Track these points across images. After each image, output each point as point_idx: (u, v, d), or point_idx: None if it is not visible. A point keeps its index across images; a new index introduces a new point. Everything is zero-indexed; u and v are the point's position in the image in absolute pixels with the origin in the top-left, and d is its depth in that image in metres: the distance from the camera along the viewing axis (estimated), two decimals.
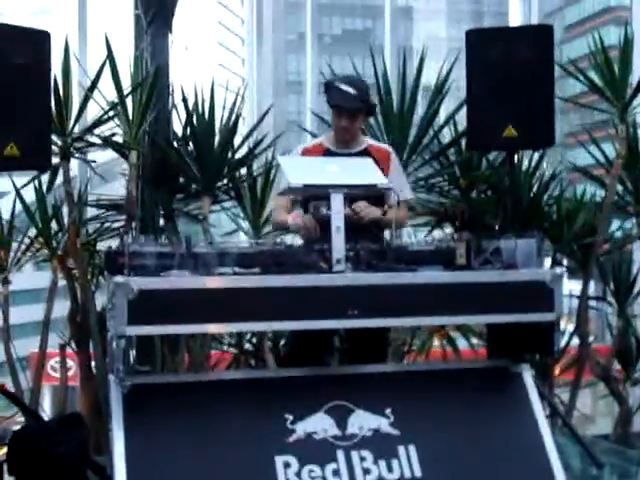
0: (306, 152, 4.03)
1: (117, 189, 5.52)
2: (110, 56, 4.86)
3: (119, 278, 3.08)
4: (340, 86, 3.92)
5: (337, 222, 3.32)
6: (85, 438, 4.15)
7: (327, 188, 3.35)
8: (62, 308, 5.45)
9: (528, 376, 3.61)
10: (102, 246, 5.41)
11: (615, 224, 5.91)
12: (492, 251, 3.48)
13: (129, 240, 3.29)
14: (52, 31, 4.10)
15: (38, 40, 4.03)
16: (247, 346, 5.59)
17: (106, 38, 4.89)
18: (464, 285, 3.37)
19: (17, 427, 4.60)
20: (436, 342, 5.84)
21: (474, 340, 5.76)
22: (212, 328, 3.53)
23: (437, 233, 5.79)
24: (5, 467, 4.02)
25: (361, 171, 3.51)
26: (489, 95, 4.61)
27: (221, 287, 3.21)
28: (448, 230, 5.81)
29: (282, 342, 5.39)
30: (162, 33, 5.04)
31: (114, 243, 5.27)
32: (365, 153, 3.98)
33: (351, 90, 3.89)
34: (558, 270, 3.47)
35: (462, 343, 5.83)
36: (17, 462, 3.96)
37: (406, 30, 40.65)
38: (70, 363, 5.85)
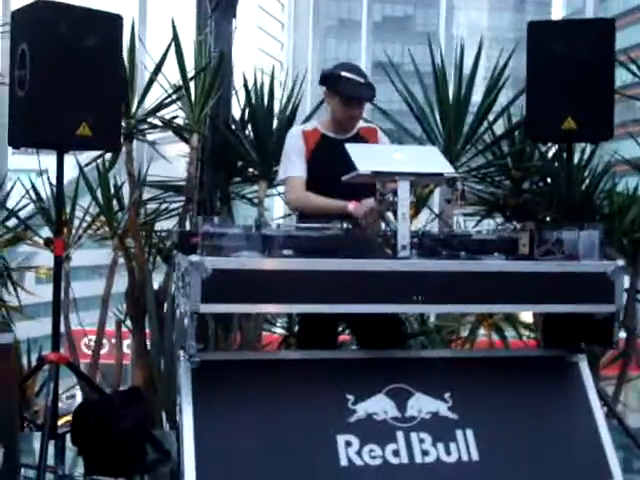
0: (306, 135, 3.98)
1: (165, 170, 5.65)
2: (176, 40, 4.96)
3: (194, 257, 3.17)
4: (350, 76, 3.91)
5: (403, 209, 3.38)
6: (145, 413, 4.28)
7: (394, 175, 3.41)
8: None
9: (585, 366, 3.66)
10: (159, 227, 5.55)
11: None
12: (554, 242, 3.53)
13: (200, 220, 3.36)
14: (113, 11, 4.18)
15: (111, 23, 4.13)
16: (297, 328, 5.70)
17: (172, 22, 4.98)
18: (526, 274, 3.41)
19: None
20: (483, 331, 5.90)
21: (523, 332, 5.82)
22: (280, 308, 3.61)
23: (487, 222, 5.86)
24: (68, 438, 4.18)
25: (427, 159, 3.58)
26: (549, 87, 4.64)
27: (290, 269, 3.29)
28: (499, 220, 5.86)
29: None
30: (226, 18, 5.12)
31: (171, 224, 5.44)
32: (358, 136, 4.01)
33: (362, 80, 3.90)
34: (620, 262, 3.51)
35: (509, 334, 5.88)
36: (80, 434, 4.09)
37: (447, 19, 40.47)
38: (104, 341, 5.98)
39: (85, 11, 4.07)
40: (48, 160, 5.05)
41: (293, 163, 3.95)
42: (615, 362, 5.86)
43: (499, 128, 5.90)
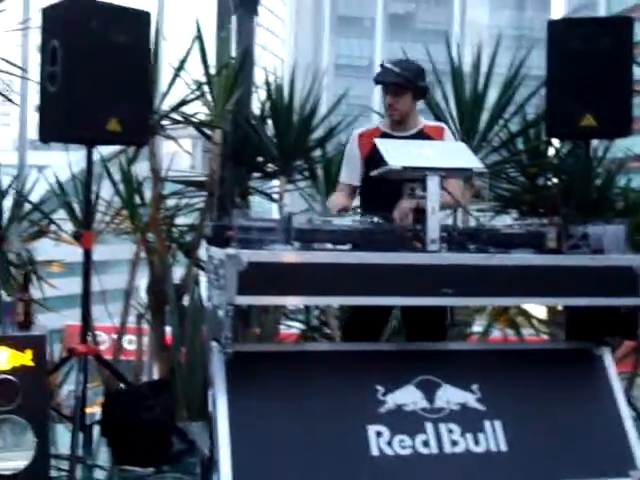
0: (363, 136, 4.09)
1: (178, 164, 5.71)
2: (199, 37, 5.01)
3: (230, 250, 3.22)
4: (386, 64, 4.00)
5: (433, 203, 3.44)
6: (172, 404, 4.34)
7: (424, 170, 3.47)
8: (118, 280, 5.63)
9: (609, 359, 3.72)
10: (179, 221, 5.61)
11: None
12: (580, 236, 3.59)
13: (235, 213, 3.42)
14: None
15: (139, 20, 4.18)
16: (314, 322, 5.77)
17: (196, 21, 5.04)
18: (555, 268, 3.48)
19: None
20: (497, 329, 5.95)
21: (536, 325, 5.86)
22: (313, 301, 3.67)
23: (502, 218, 5.92)
24: (97, 428, 4.24)
25: (456, 155, 3.63)
26: (568, 84, 4.71)
27: (322, 262, 3.35)
28: (513, 216, 5.92)
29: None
30: (249, 15, 5.18)
31: (192, 219, 5.50)
32: (421, 134, 4.05)
33: (395, 68, 3.96)
34: None
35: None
36: (110, 424, 4.15)
37: (447, 15, 40.48)
38: (104, 337, 6.04)
39: (115, 8, 4.13)
40: (55, 156, 5.13)
41: (342, 170, 4.14)
42: (627, 358, 5.91)
43: (514, 126, 5.96)
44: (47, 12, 4.12)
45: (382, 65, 4.01)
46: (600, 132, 4.80)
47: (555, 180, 5.93)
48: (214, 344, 3.46)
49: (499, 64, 5.72)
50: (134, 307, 5.64)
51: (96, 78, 3.99)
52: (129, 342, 5.85)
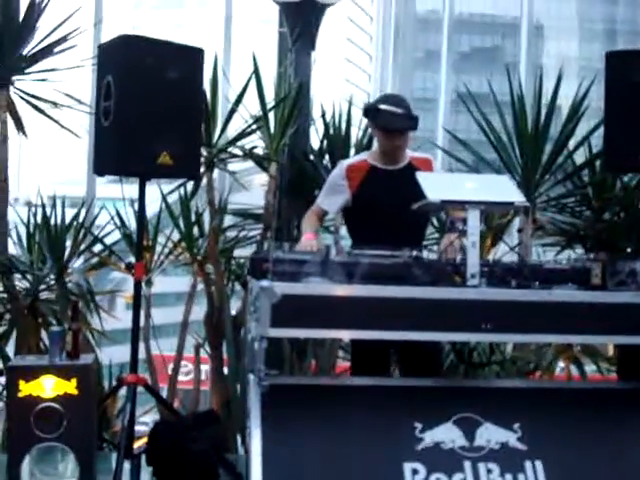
0: (351, 169, 4.09)
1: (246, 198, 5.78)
2: (256, 72, 5.09)
3: (264, 283, 3.25)
4: (387, 108, 3.96)
5: (473, 237, 3.40)
6: (219, 436, 4.36)
7: (464, 204, 3.43)
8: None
9: None
10: (238, 253, 5.66)
11: None
12: (628, 272, 3.49)
13: (271, 246, 3.45)
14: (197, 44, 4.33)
15: (193, 56, 4.26)
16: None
17: (253, 56, 5.13)
18: (599, 305, 3.38)
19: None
20: (562, 364, 5.80)
21: (602, 364, 5.69)
22: (347, 334, 3.66)
23: (567, 253, 5.79)
24: (144, 458, 4.28)
25: (498, 188, 3.58)
26: (627, 117, 4.58)
27: (357, 295, 3.34)
28: (579, 251, 5.79)
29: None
30: (306, 50, 5.25)
31: (250, 251, 5.55)
32: (410, 167, 4.02)
33: (399, 110, 3.94)
34: None
35: (590, 368, 5.77)
36: (155, 454, 4.19)
37: (537, 48, 40.15)
38: (190, 367, 6.09)
39: (168, 45, 4.22)
40: (133, 189, 5.23)
41: (320, 195, 4.21)
42: None
43: (580, 157, 5.84)
44: (102, 48, 4.25)
45: (378, 109, 3.97)
46: None
47: (623, 214, 5.78)
48: (251, 376, 3.47)
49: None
50: (192, 338, 5.70)
51: (149, 113, 4.08)
52: (187, 373, 5.91)
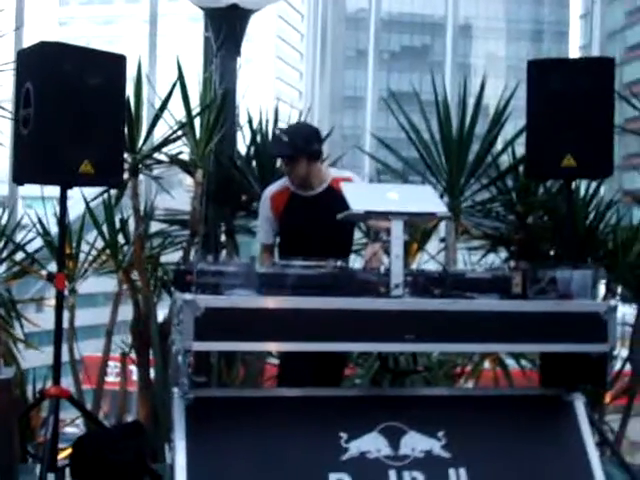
0: (275, 198, 4.21)
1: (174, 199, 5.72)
2: (181, 78, 5.04)
3: (187, 296, 3.22)
4: (277, 134, 4.17)
5: (396, 248, 3.42)
6: (144, 446, 4.30)
7: (387, 215, 3.45)
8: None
9: (580, 405, 3.67)
10: (165, 259, 5.60)
11: None
12: (548, 281, 3.55)
13: (195, 258, 3.42)
14: (119, 47, 4.27)
15: (114, 63, 4.19)
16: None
17: (177, 61, 5.08)
18: (519, 314, 3.44)
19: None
20: (487, 364, 5.89)
21: (524, 362, 5.80)
22: (272, 347, 3.65)
23: (491, 257, 5.88)
24: (68, 471, 4.21)
25: (421, 199, 3.62)
26: (548, 125, 4.67)
27: (282, 307, 3.33)
28: (503, 254, 5.88)
29: None
30: (231, 56, 5.22)
31: (176, 256, 5.49)
32: (329, 190, 4.11)
33: (284, 137, 4.08)
34: (612, 302, 3.52)
35: (512, 363, 5.87)
36: (79, 467, 4.13)
37: (465, 47, 40.71)
38: (130, 367, 6.00)
39: (89, 51, 4.16)
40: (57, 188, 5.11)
41: (259, 231, 4.35)
42: (623, 395, 5.82)
43: (506, 159, 5.92)
44: (21, 55, 4.16)
45: (274, 134, 4.09)
46: (581, 172, 4.76)
47: (545, 218, 5.88)
48: (175, 389, 3.44)
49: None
50: (118, 345, 5.63)
51: (69, 120, 4.00)
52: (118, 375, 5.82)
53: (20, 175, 4.18)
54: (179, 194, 6.01)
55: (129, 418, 5.75)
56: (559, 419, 3.65)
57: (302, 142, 4.04)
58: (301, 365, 3.87)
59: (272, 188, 4.27)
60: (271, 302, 3.33)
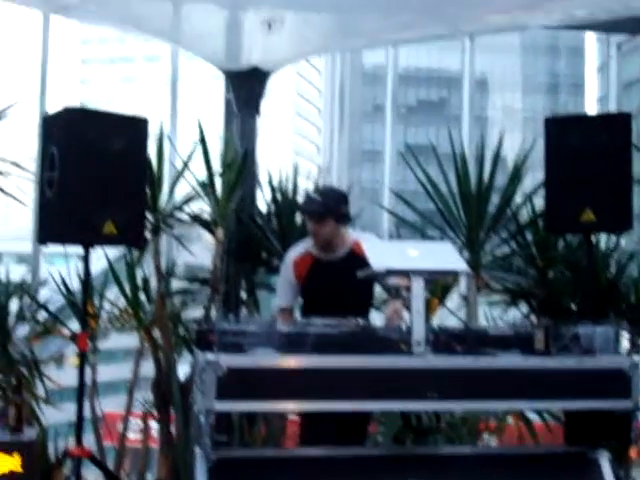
0: (298, 263, 4.25)
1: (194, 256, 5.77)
2: (202, 139, 5.12)
3: (210, 356, 3.23)
4: (309, 194, 4.27)
5: (417, 305, 3.42)
6: None
7: (408, 273, 3.46)
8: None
9: (606, 463, 3.62)
10: (186, 316, 5.63)
11: None
12: (570, 337, 3.53)
13: (217, 317, 3.44)
14: (140, 105, 4.35)
15: (136, 126, 4.29)
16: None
17: (199, 123, 5.16)
18: (543, 371, 3.42)
19: None
20: (510, 420, 5.83)
21: (547, 417, 5.73)
22: (295, 406, 3.63)
23: (513, 312, 5.85)
24: None
25: (441, 255, 3.63)
26: (567, 179, 4.70)
27: (303, 366, 3.33)
28: (524, 309, 5.85)
29: None
30: (251, 115, 5.30)
31: (198, 313, 5.52)
32: (351, 254, 4.15)
33: (316, 197, 4.19)
34: (636, 358, 3.50)
35: (535, 417, 5.79)
36: None
37: (482, 100, 41.00)
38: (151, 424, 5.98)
39: (111, 116, 4.26)
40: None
41: (280, 296, 4.37)
42: None
43: (523, 215, 5.91)
44: (47, 120, 4.26)
45: (306, 194, 4.28)
46: (601, 226, 4.77)
47: (567, 272, 5.86)
48: (197, 450, 3.43)
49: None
50: (140, 403, 5.62)
51: (93, 183, 4.09)
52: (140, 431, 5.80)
53: (45, 235, 4.25)
54: (198, 249, 6.07)
55: (149, 476, 5.73)
56: (585, 477, 3.60)
57: (333, 203, 4.14)
58: (323, 424, 3.87)
59: (294, 253, 4.31)
60: (293, 361, 3.33)
